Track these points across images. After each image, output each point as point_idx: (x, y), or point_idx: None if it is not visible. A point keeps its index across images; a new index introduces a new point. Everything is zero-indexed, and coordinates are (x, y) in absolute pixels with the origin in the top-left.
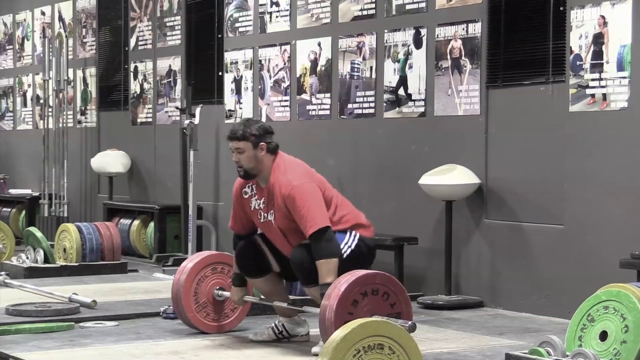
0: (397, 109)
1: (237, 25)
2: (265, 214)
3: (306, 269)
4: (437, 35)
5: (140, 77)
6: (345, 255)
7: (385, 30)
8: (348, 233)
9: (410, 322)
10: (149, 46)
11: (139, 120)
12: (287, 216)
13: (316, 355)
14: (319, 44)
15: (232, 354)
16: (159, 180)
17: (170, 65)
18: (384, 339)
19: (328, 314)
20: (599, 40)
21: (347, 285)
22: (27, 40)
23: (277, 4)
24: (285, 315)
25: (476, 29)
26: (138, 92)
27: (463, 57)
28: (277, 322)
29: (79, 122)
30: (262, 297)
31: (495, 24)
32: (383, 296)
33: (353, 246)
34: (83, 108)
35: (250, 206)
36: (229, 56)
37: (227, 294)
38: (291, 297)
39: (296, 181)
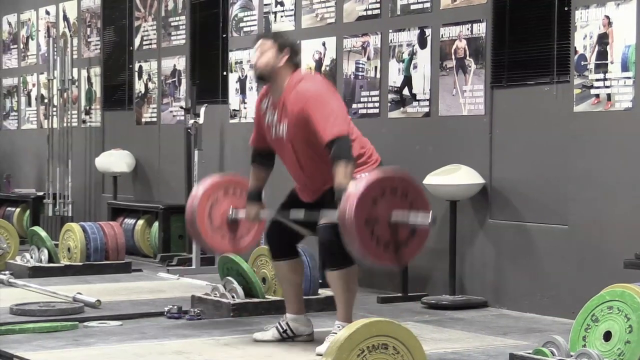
0: (402, 109)
1: (241, 25)
2: (278, 129)
3: (332, 250)
4: (442, 35)
5: (144, 76)
6: None
7: (390, 30)
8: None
9: (431, 216)
10: (154, 46)
11: (143, 119)
12: (299, 124)
13: (320, 355)
14: (324, 44)
15: (237, 354)
16: (164, 180)
17: (174, 65)
18: (388, 339)
19: (348, 214)
20: (603, 40)
21: (366, 185)
22: (32, 39)
23: (282, 4)
24: (293, 312)
25: (481, 29)
26: (142, 91)
27: (468, 57)
28: (281, 320)
29: (84, 121)
30: (277, 218)
31: (500, 24)
32: (402, 195)
33: None
34: (87, 108)
35: (264, 121)
36: (233, 56)
37: (241, 213)
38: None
39: (315, 86)
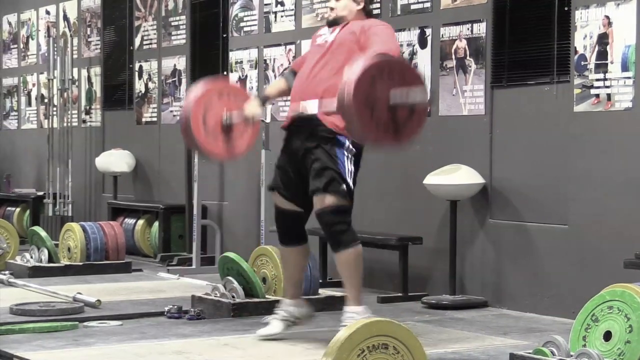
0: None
1: (242, 24)
2: (328, 36)
3: (336, 232)
4: (442, 35)
5: (145, 76)
6: (352, 183)
7: None
8: (345, 153)
9: (429, 93)
10: (154, 45)
11: (143, 119)
12: (351, 40)
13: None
14: None
15: (237, 354)
16: (164, 179)
17: (175, 65)
18: (389, 339)
19: (347, 97)
20: (603, 40)
21: (363, 67)
22: (32, 39)
23: (282, 4)
24: (292, 297)
25: (481, 29)
26: (143, 91)
27: (468, 57)
28: (279, 310)
29: (84, 121)
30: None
31: (500, 24)
32: (398, 77)
33: (352, 167)
34: (87, 107)
35: (317, 40)
36: (233, 56)
37: (236, 117)
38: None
39: (387, 28)
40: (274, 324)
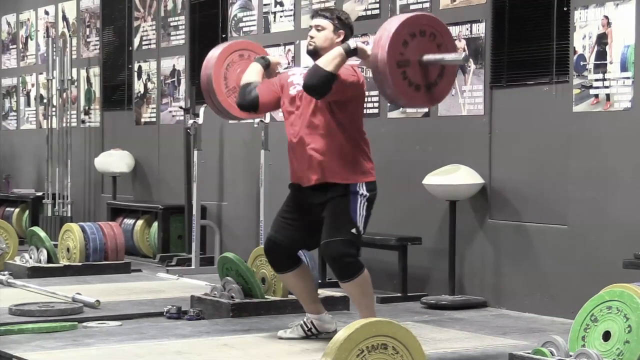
0: (401, 109)
1: (241, 25)
2: (300, 87)
3: (342, 263)
4: None
5: (144, 76)
6: (362, 227)
7: None
8: (359, 200)
9: (463, 54)
10: (153, 46)
11: (142, 120)
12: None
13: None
14: None
15: (236, 354)
16: (163, 180)
17: (174, 65)
18: (388, 339)
19: (380, 56)
20: (602, 40)
21: (396, 27)
22: (31, 39)
23: (282, 4)
24: (313, 312)
25: (480, 29)
26: (142, 91)
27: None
28: (305, 319)
29: (83, 121)
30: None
31: (499, 25)
32: (430, 37)
33: (365, 211)
34: (87, 108)
35: (290, 85)
36: None
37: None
38: (295, 296)
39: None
40: (296, 330)
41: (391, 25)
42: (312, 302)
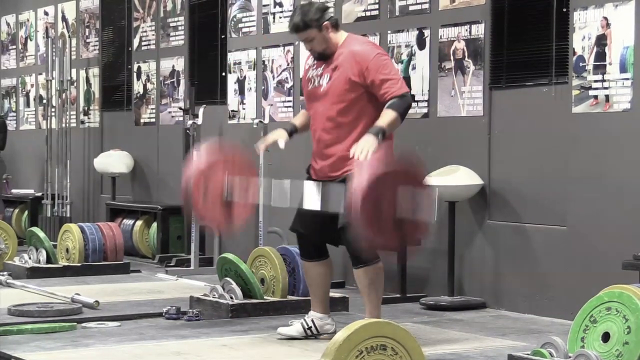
0: None
1: (240, 25)
2: (318, 79)
3: (359, 247)
4: (441, 36)
5: (143, 77)
6: None
7: (389, 31)
8: None
9: (435, 209)
10: (152, 46)
11: (142, 120)
12: (348, 80)
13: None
14: None
15: (235, 355)
16: (162, 180)
17: (173, 66)
18: (387, 340)
19: (354, 207)
20: (601, 41)
21: (371, 177)
22: (30, 40)
23: (281, 5)
24: (318, 311)
25: (479, 30)
26: (141, 92)
27: (466, 58)
28: (306, 317)
29: (82, 122)
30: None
31: (499, 26)
32: (406, 186)
33: None
34: (86, 108)
35: (306, 77)
36: (232, 57)
37: (236, 187)
38: (294, 297)
39: (376, 51)
40: (296, 328)
41: (365, 175)
42: (322, 300)
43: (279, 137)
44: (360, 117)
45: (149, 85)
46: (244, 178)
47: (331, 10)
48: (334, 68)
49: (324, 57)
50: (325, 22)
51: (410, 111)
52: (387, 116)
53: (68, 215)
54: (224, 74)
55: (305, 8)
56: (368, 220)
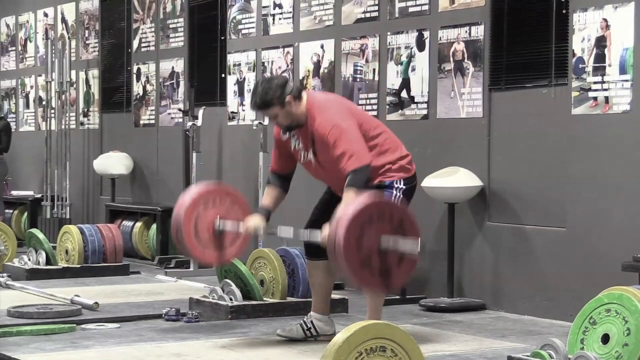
0: (400, 111)
1: (240, 27)
2: (306, 153)
3: None
4: (440, 37)
5: (143, 78)
6: None
7: (388, 33)
8: (394, 189)
9: (420, 243)
10: (152, 48)
11: (141, 121)
12: (326, 151)
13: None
14: (322, 46)
15: (234, 356)
16: (162, 182)
17: (173, 67)
18: (386, 341)
19: (337, 240)
20: (601, 43)
21: (354, 211)
22: (30, 41)
23: (280, 6)
24: (319, 311)
25: (479, 31)
26: (141, 93)
27: (466, 60)
28: (306, 318)
29: (82, 123)
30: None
31: (498, 27)
32: (390, 220)
33: (401, 196)
34: (85, 110)
35: (290, 146)
36: (231, 58)
37: (228, 224)
38: (294, 299)
39: (332, 122)
40: (296, 329)
41: (350, 208)
42: (323, 300)
43: (257, 225)
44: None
45: (149, 87)
46: (237, 212)
47: (290, 84)
48: (312, 142)
49: (291, 129)
50: (287, 98)
51: (410, 113)
52: (347, 198)
53: (67, 216)
54: (223, 75)
55: (265, 86)
56: (351, 258)
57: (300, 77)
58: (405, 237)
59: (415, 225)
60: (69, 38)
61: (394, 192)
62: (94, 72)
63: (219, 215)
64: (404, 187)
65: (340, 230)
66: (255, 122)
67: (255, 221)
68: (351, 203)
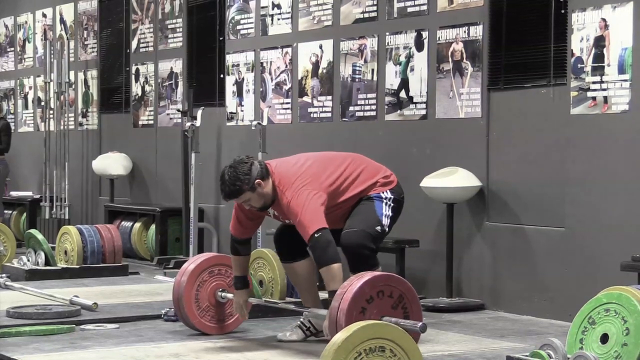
0: (399, 111)
1: (238, 27)
2: (287, 220)
3: (358, 254)
4: (439, 38)
5: (141, 79)
6: (387, 226)
7: (387, 33)
8: (383, 201)
9: (420, 323)
10: (151, 48)
11: (140, 122)
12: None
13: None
14: (321, 47)
15: (234, 357)
16: (161, 182)
17: (171, 68)
18: (385, 341)
19: (339, 315)
20: (600, 43)
21: (356, 291)
22: (29, 42)
23: (279, 7)
24: (313, 305)
25: (477, 31)
26: (139, 94)
27: (464, 60)
28: (302, 318)
29: (80, 124)
30: (266, 299)
31: (497, 27)
32: (391, 297)
33: (390, 212)
34: (84, 110)
35: (269, 214)
36: (230, 58)
37: (229, 295)
38: (292, 299)
39: (290, 194)
40: (295, 332)
41: (352, 286)
42: (311, 298)
43: (244, 303)
44: (352, 197)
45: (147, 88)
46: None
47: (256, 164)
48: (287, 211)
49: (266, 208)
50: (256, 181)
51: (409, 113)
52: (325, 277)
53: (66, 217)
54: (222, 76)
55: (231, 174)
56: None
57: (299, 78)
58: (406, 313)
59: (417, 302)
60: (67, 39)
61: (384, 201)
62: (93, 73)
63: (220, 286)
64: (392, 196)
65: (341, 313)
66: (254, 123)
67: (241, 298)
68: (351, 285)
